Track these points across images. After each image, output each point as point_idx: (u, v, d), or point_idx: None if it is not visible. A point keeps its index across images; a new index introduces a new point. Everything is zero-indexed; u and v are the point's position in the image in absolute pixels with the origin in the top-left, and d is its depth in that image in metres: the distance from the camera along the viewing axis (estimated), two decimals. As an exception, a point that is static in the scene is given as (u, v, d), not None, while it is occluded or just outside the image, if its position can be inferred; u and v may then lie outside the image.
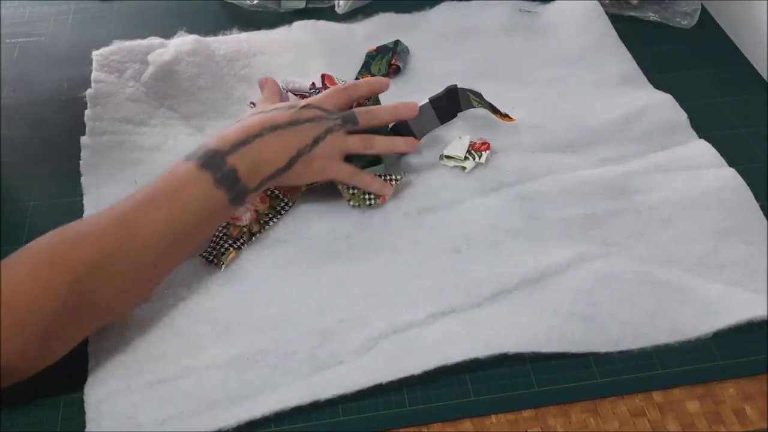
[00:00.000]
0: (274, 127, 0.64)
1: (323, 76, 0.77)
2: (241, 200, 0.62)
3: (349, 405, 0.56)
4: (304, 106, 0.67)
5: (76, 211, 0.68)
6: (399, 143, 0.70)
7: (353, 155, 0.68)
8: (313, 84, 0.77)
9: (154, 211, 0.58)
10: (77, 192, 0.70)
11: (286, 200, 0.68)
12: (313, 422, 0.55)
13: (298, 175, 0.65)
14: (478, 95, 0.73)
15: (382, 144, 0.69)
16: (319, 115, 0.66)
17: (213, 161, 0.60)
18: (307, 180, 0.67)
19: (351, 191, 0.68)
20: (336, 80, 0.77)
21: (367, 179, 0.68)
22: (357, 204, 0.68)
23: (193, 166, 0.60)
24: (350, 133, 0.68)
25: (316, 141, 0.65)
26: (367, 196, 0.68)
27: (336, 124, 0.67)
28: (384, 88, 0.72)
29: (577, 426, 0.56)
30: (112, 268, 0.55)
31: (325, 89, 0.74)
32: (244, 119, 0.65)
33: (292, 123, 0.65)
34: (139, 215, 0.57)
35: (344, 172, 0.67)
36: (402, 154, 0.73)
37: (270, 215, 0.67)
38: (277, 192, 0.68)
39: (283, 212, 0.68)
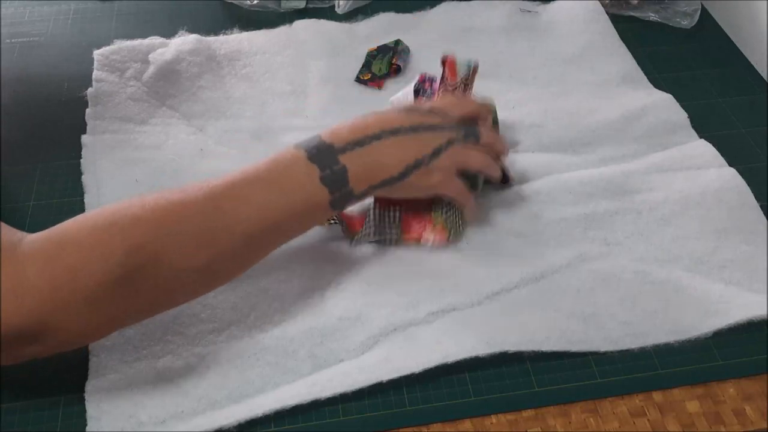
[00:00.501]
0: (394, 131, 0.59)
1: (444, 61, 0.69)
2: (344, 204, 0.58)
3: (349, 405, 0.56)
4: (428, 111, 0.62)
5: (77, 211, 0.68)
6: (497, 172, 0.65)
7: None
8: (423, 76, 0.72)
9: (249, 191, 0.54)
10: (77, 192, 0.70)
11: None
12: (313, 422, 0.55)
13: (411, 186, 0.60)
14: None
15: (495, 170, 0.64)
16: (443, 123, 0.62)
17: (324, 155, 0.56)
18: (418, 193, 0.62)
19: (444, 214, 0.64)
20: (457, 65, 0.69)
21: (471, 200, 0.64)
22: (450, 230, 0.64)
23: (302, 155, 0.56)
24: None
25: (437, 152, 0.60)
26: (459, 222, 0.65)
27: (459, 135, 0.62)
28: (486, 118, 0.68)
29: (577, 426, 0.56)
30: (190, 241, 0.52)
31: (444, 77, 0.68)
32: (361, 117, 0.60)
33: (414, 129, 0.60)
34: (233, 192, 0.54)
35: (459, 188, 0.63)
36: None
37: None
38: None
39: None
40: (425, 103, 0.64)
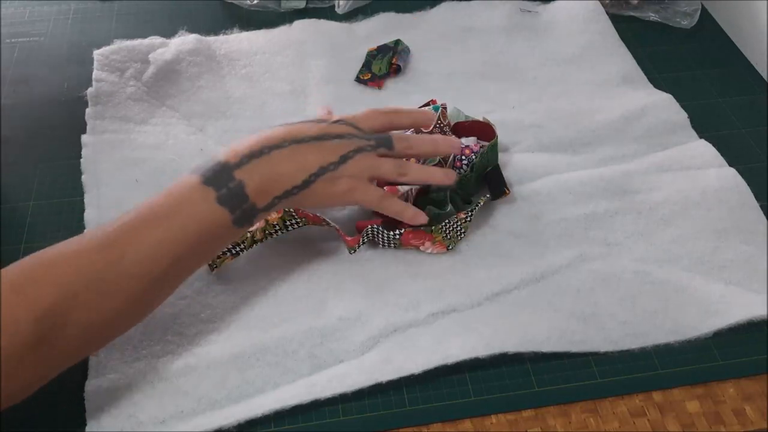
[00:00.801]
0: (296, 140, 0.57)
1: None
2: (249, 221, 0.56)
3: (349, 405, 0.56)
4: (335, 122, 0.61)
5: (76, 211, 0.68)
6: (436, 173, 0.63)
7: (434, 202, 0.65)
8: None
9: (145, 232, 0.52)
10: (77, 192, 0.70)
11: (298, 219, 0.65)
12: (313, 422, 0.55)
13: (318, 195, 0.58)
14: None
15: (417, 172, 0.62)
16: (351, 132, 0.60)
17: (219, 175, 0.54)
18: (329, 203, 0.61)
19: (443, 231, 0.63)
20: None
21: (398, 206, 0.62)
22: (450, 244, 0.64)
23: (195, 181, 0.54)
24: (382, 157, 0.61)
25: (343, 159, 0.58)
26: (461, 236, 0.65)
27: (368, 144, 0.60)
28: (428, 125, 0.66)
29: (577, 426, 0.56)
30: (92, 295, 0.50)
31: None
32: (269, 129, 0.59)
33: (319, 137, 0.58)
34: (127, 235, 0.51)
35: (373, 196, 0.61)
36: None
37: (278, 228, 0.64)
38: (292, 210, 0.64)
39: (291, 228, 0.65)
40: (335, 116, 0.62)
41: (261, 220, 0.59)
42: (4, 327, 0.47)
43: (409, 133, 0.67)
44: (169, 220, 0.53)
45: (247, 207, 0.55)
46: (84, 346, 0.52)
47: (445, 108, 0.69)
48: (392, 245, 0.65)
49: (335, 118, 0.61)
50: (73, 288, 0.49)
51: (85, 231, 0.52)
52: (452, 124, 0.71)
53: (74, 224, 0.67)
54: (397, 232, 0.63)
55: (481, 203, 0.65)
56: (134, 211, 0.53)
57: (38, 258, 0.50)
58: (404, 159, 0.63)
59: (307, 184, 0.57)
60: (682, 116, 0.77)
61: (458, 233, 0.65)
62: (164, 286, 0.55)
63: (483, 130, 0.70)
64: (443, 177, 0.63)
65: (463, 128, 0.71)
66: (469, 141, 0.69)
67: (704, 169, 0.71)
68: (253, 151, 0.56)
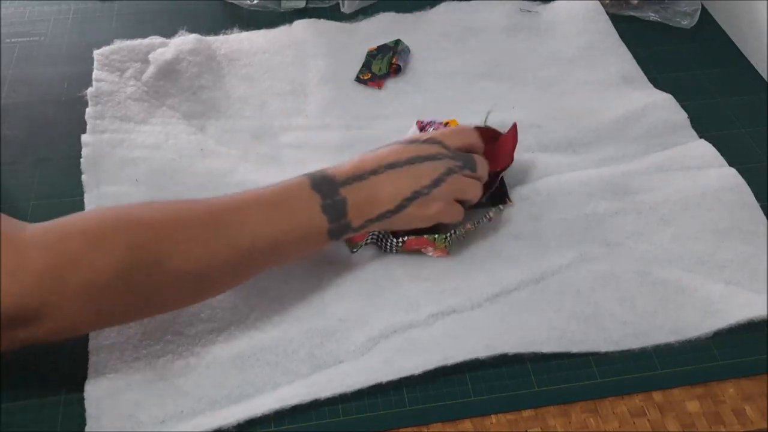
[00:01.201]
0: (390, 165, 0.60)
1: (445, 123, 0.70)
2: (339, 235, 0.59)
3: (349, 405, 0.56)
4: (426, 141, 0.63)
5: (77, 211, 0.68)
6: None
7: None
8: (420, 123, 0.72)
9: (253, 209, 0.56)
10: (77, 192, 0.70)
11: None
12: (313, 422, 0.55)
13: (410, 218, 0.61)
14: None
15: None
16: (441, 152, 0.62)
17: (326, 185, 0.58)
18: (420, 224, 0.62)
19: (446, 240, 0.63)
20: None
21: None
22: (450, 249, 0.64)
23: (306, 182, 0.58)
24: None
25: (435, 182, 0.60)
26: (463, 239, 0.65)
27: (457, 165, 0.62)
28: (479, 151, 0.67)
29: (577, 426, 0.56)
30: (187, 245, 0.53)
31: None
32: (364, 154, 0.62)
33: (411, 161, 0.60)
34: (236, 207, 0.56)
35: (459, 215, 0.63)
36: None
37: None
38: None
39: None
40: (424, 134, 0.64)
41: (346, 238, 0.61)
42: (101, 248, 0.50)
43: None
44: (276, 207, 0.57)
45: (344, 222, 0.58)
46: (163, 298, 0.55)
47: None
48: (395, 251, 0.65)
49: (425, 137, 0.64)
50: (176, 235, 0.53)
51: (193, 199, 0.56)
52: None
53: (74, 224, 0.68)
54: (401, 239, 0.63)
55: (491, 216, 0.65)
56: (244, 192, 0.57)
57: (147, 204, 0.56)
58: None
59: (400, 208, 0.60)
60: (682, 116, 0.77)
61: (460, 240, 0.65)
62: (253, 265, 0.57)
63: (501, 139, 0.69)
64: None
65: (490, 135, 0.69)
66: None
67: (704, 169, 0.71)
68: (355, 173, 0.59)
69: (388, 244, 0.64)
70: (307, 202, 0.57)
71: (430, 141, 0.63)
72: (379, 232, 0.63)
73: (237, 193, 0.57)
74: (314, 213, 0.57)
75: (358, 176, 0.59)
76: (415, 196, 0.60)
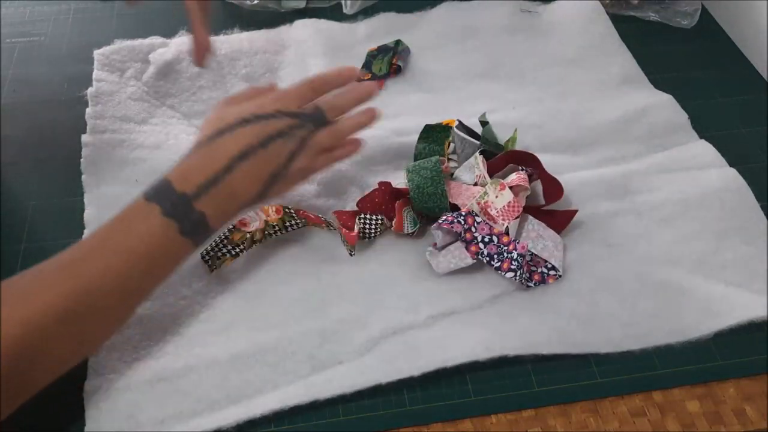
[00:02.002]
0: (243, 155, 0.57)
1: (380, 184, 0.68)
2: (205, 240, 0.57)
3: (349, 405, 0.56)
4: (271, 116, 0.59)
5: (76, 211, 0.68)
6: (361, 118, 0.64)
7: (426, 213, 0.66)
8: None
9: (106, 261, 0.51)
10: (77, 192, 0.70)
11: (298, 220, 0.65)
12: (312, 422, 0.55)
13: (276, 194, 0.60)
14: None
15: (347, 124, 0.63)
16: (290, 124, 0.60)
17: (179, 208, 0.54)
18: (285, 194, 0.63)
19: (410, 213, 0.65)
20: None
21: (335, 157, 0.63)
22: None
23: (155, 213, 0.54)
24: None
25: (290, 158, 0.59)
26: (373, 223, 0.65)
27: (309, 131, 0.61)
28: (351, 77, 0.65)
29: (577, 426, 0.56)
30: (59, 327, 0.49)
31: (380, 196, 0.67)
32: (206, 146, 0.58)
33: (263, 144, 0.58)
34: (89, 264, 0.51)
35: (324, 165, 0.63)
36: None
37: (277, 228, 0.65)
38: (292, 210, 0.65)
39: (290, 229, 0.65)
40: (264, 105, 0.60)
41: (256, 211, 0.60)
42: None
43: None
44: (130, 255, 0.52)
45: (207, 233, 0.57)
46: (60, 366, 0.52)
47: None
48: (379, 231, 0.65)
49: (270, 108, 0.60)
50: (41, 321, 0.48)
51: (49, 261, 0.52)
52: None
53: (74, 224, 0.67)
54: (379, 217, 0.64)
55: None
56: (93, 245, 0.53)
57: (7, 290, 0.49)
58: (335, 127, 0.63)
59: (262, 195, 0.59)
60: (682, 117, 0.77)
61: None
62: (129, 308, 0.55)
63: (524, 159, 0.67)
64: (367, 91, 0.64)
65: (516, 157, 0.68)
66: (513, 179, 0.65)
67: (705, 169, 0.71)
68: (208, 179, 0.56)
69: (372, 229, 0.65)
70: (163, 238, 0.54)
71: (278, 115, 0.59)
72: (364, 224, 0.64)
73: (79, 250, 0.53)
74: (176, 242, 0.54)
75: (210, 181, 0.56)
76: (274, 179, 0.59)
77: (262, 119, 0.59)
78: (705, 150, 0.73)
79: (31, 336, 0.48)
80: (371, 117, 0.65)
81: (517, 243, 0.61)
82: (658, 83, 0.82)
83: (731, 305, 0.61)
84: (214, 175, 0.56)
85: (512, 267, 0.61)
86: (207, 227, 0.56)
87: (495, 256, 0.61)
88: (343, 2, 0.92)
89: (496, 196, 0.63)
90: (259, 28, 0.89)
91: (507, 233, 0.62)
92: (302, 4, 0.92)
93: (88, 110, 0.76)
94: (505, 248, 0.61)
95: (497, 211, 0.62)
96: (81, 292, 0.50)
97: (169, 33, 0.85)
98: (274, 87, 0.66)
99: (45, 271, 0.51)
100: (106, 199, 0.69)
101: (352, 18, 0.91)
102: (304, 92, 0.63)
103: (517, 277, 0.60)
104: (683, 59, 0.87)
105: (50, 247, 0.65)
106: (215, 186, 0.56)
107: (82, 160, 0.72)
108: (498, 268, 0.61)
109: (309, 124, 0.61)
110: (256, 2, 0.92)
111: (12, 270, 0.64)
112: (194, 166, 0.57)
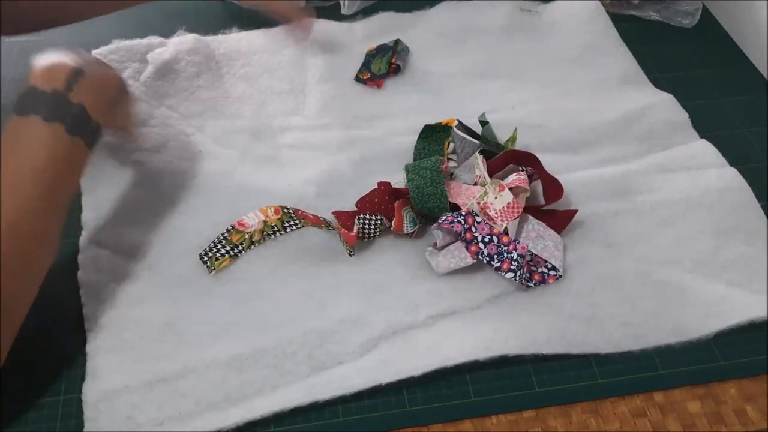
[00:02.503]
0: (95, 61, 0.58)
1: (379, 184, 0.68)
2: (95, 138, 0.57)
3: (349, 405, 0.56)
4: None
5: (76, 211, 0.68)
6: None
7: (426, 213, 0.65)
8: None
9: (16, 190, 0.51)
10: (77, 192, 0.70)
11: (297, 221, 0.66)
12: (312, 422, 0.55)
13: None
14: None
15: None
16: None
17: (56, 107, 0.54)
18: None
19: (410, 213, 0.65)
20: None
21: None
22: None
23: (37, 123, 0.53)
24: None
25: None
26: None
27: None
28: None
29: (578, 426, 0.55)
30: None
31: (379, 196, 0.67)
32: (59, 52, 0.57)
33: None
34: (13, 209, 0.51)
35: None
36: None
37: (276, 228, 0.65)
38: (291, 211, 0.66)
39: (289, 230, 0.65)
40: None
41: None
42: None
43: None
44: (34, 173, 0.52)
45: (94, 127, 0.56)
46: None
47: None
48: (378, 231, 0.65)
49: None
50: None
51: None
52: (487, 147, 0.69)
53: (74, 224, 0.67)
54: (380, 217, 0.64)
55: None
56: None
57: None
58: None
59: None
60: (682, 116, 0.77)
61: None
62: (47, 217, 0.54)
63: (523, 158, 0.67)
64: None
65: (515, 157, 0.68)
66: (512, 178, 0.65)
67: (705, 169, 0.71)
68: (73, 69, 0.55)
69: (371, 229, 0.64)
70: (53, 140, 0.53)
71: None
72: (363, 224, 0.64)
73: None
74: (66, 143, 0.54)
75: (77, 71, 0.56)
76: None
77: None
78: (705, 149, 0.73)
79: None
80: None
81: (518, 243, 0.61)
82: (659, 83, 0.82)
83: (731, 305, 0.61)
84: (76, 64, 0.56)
85: (512, 267, 0.60)
86: (90, 120, 0.55)
87: (495, 256, 0.61)
88: (341, 2, 0.92)
89: (496, 197, 0.63)
90: (258, 27, 0.88)
91: (507, 233, 0.62)
92: (302, 5, 0.92)
93: None
94: (506, 248, 0.61)
95: (496, 212, 0.62)
96: (5, 228, 0.50)
97: (167, 33, 0.85)
98: None
99: None
100: (105, 200, 0.68)
101: (351, 18, 0.91)
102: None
103: (517, 278, 0.60)
104: (684, 59, 0.87)
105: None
106: (83, 75, 0.56)
107: None
108: (498, 269, 0.61)
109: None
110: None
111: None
112: (55, 64, 0.56)
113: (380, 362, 0.57)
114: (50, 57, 0.57)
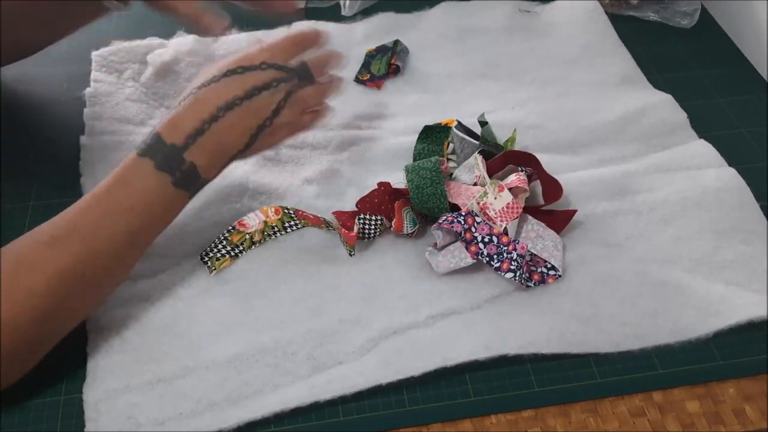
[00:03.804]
0: (230, 106, 0.58)
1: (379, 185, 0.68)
2: (198, 189, 0.60)
3: (349, 405, 0.56)
4: (258, 67, 0.61)
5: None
6: (338, 55, 0.67)
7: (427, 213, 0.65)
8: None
9: (111, 223, 0.55)
10: (77, 192, 0.70)
11: (297, 221, 0.66)
12: (313, 422, 0.55)
13: (264, 146, 0.63)
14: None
15: (333, 85, 0.66)
16: (276, 77, 0.61)
17: (170, 160, 0.56)
18: (268, 147, 0.65)
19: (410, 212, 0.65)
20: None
21: (321, 116, 0.67)
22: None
23: (149, 169, 0.56)
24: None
25: (276, 111, 0.61)
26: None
27: (293, 84, 0.62)
28: (324, 38, 0.67)
29: (577, 426, 0.56)
30: (80, 273, 0.53)
31: (379, 197, 0.67)
32: (194, 96, 0.59)
33: (249, 95, 0.59)
34: (96, 227, 0.54)
35: (309, 123, 0.65)
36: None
37: (276, 229, 0.65)
38: (291, 211, 0.66)
39: (290, 230, 0.66)
40: (255, 54, 0.62)
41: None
42: (25, 296, 0.51)
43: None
44: (131, 211, 0.55)
45: (199, 183, 0.59)
46: (84, 309, 0.56)
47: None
48: (378, 231, 0.65)
49: (255, 57, 0.61)
50: (70, 267, 0.53)
51: (61, 217, 0.56)
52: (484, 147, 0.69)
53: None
54: (380, 217, 0.64)
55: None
56: (96, 200, 0.55)
57: (36, 237, 0.54)
58: (320, 84, 0.65)
59: (250, 144, 0.60)
60: (681, 116, 0.77)
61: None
62: (131, 260, 0.58)
63: (522, 158, 0.67)
64: (340, 56, 0.67)
65: (513, 157, 0.67)
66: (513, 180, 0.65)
67: (704, 169, 0.71)
68: (196, 128, 0.57)
69: (371, 229, 0.65)
70: (158, 192, 0.56)
71: (264, 66, 0.61)
72: (364, 225, 0.64)
73: (85, 206, 0.56)
74: (170, 195, 0.57)
75: (198, 131, 0.57)
76: (260, 130, 0.60)
77: (248, 70, 0.60)
78: (704, 150, 0.73)
79: (47, 300, 0.52)
80: (339, 85, 0.67)
81: (517, 243, 0.61)
82: (658, 83, 0.82)
83: (731, 305, 0.61)
84: (202, 124, 0.57)
85: (512, 267, 0.61)
86: (198, 177, 0.58)
87: (495, 257, 0.61)
88: (341, 3, 0.92)
89: (495, 198, 0.63)
90: (258, 28, 0.88)
91: (506, 233, 0.62)
92: (301, 5, 0.92)
93: (86, 111, 0.76)
94: (505, 248, 0.61)
95: (496, 213, 0.62)
96: (91, 253, 0.53)
97: (167, 34, 0.85)
98: (261, 41, 0.69)
99: (56, 237, 0.53)
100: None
101: (351, 18, 0.91)
102: (288, 47, 0.64)
103: (517, 278, 0.60)
104: (683, 59, 0.87)
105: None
106: (202, 136, 0.57)
107: (80, 162, 0.72)
108: (498, 269, 0.61)
109: (294, 78, 0.62)
110: (255, 3, 0.92)
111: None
112: (182, 117, 0.58)
113: (381, 362, 0.57)
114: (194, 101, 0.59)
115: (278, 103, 0.61)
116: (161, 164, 0.56)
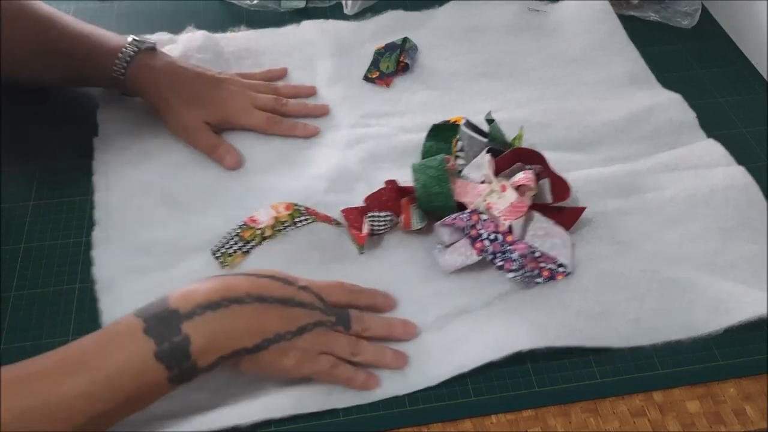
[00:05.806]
0: (260, 299, 0.52)
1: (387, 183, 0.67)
2: (183, 381, 0.50)
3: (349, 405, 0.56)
4: (302, 287, 0.56)
5: (76, 211, 0.68)
6: (387, 355, 0.57)
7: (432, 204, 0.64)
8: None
9: (70, 379, 0.47)
10: (77, 192, 0.70)
11: (307, 217, 0.65)
12: (313, 422, 0.55)
13: (264, 364, 0.53)
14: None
15: (370, 354, 0.57)
16: (314, 302, 0.55)
17: (163, 325, 0.49)
18: (270, 373, 0.55)
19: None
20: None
21: (349, 372, 0.56)
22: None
23: (137, 327, 0.49)
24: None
25: (301, 330, 0.53)
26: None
27: (328, 320, 0.56)
28: (387, 308, 0.61)
29: (577, 426, 0.56)
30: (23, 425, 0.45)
31: (387, 194, 0.67)
32: (232, 277, 0.54)
33: (283, 301, 0.53)
34: (52, 381, 0.46)
35: (323, 367, 0.55)
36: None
37: (287, 224, 0.65)
38: (302, 208, 0.65)
39: (300, 225, 0.65)
40: (301, 280, 0.57)
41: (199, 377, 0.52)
42: None
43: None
44: (97, 371, 0.47)
45: (186, 366, 0.49)
46: None
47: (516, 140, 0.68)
48: (388, 228, 0.65)
49: (302, 282, 0.56)
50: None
51: (23, 363, 0.48)
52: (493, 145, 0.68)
53: (74, 224, 0.68)
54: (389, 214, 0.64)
55: None
56: (69, 349, 0.48)
57: None
58: (358, 338, 0.58)
59: (257, 349, 0.52)
60: (690, 116, 0.77)
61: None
62: None
63: (530, 157, 0.66)
64: (393, 361, 0.57)
65: (522, 155, 0.66)
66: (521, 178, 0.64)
67: (712, 167, 0.71)
68: (210, 301, 0.51)
69: (381, 226, 0.65)
70: (136, 356, 0.48)
71: (307, 289, 0.56)
72: (373, 223, 0.64)
73: (58, 351, 0.48)
74: (147, 364, 0.48)
75: (214, 304, 0.50)
76: (277, 339, 0.52)
77: (294, 285, 0.56)
78: (713, 148, 0.73)
79: None
80: (400, 362, 0.58)
81: (518, 243, 0.61)
82: (658, 83, 0.82)
83: (739, 302, 0.61)
84: (221, 299, 0.51)
85: (513, 267, 0.61)
86: (188, 358, 0.49)
87: (499, 255, 0.61)
88: (343, 2, 0.92)
89: (499, 197, 0.63)
90: (259, 27, 0.88)
91: (511, 232, 0.62)
92: (302, 4, 0.92)
93: (99, 111, 0.77)
94: (509, 247, 0.61)
95: (500, 211, 0.62)
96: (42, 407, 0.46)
97: (174, 32, 0.85)
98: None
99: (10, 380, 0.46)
100: (113, 201, 0.69)
101: (359, 17, 0.91)
102: (339, 291, 0.59)
103: (519, 277, 0.60)
104: (683, 59, 0.87)
105: (50, 247, 0.65)
106: (213, 310, 0.50)
107: (93, 161, 0.72)
108: (501, 267, 0.61)
109: (332, 317, 0.56)
110: (255, 2, 0.92)
111: (12, 269, 0.64)
112: (206, 286, 0.52)
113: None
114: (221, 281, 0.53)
115: (304, 324, 0.54)
116: (152, 327, 0.49)
